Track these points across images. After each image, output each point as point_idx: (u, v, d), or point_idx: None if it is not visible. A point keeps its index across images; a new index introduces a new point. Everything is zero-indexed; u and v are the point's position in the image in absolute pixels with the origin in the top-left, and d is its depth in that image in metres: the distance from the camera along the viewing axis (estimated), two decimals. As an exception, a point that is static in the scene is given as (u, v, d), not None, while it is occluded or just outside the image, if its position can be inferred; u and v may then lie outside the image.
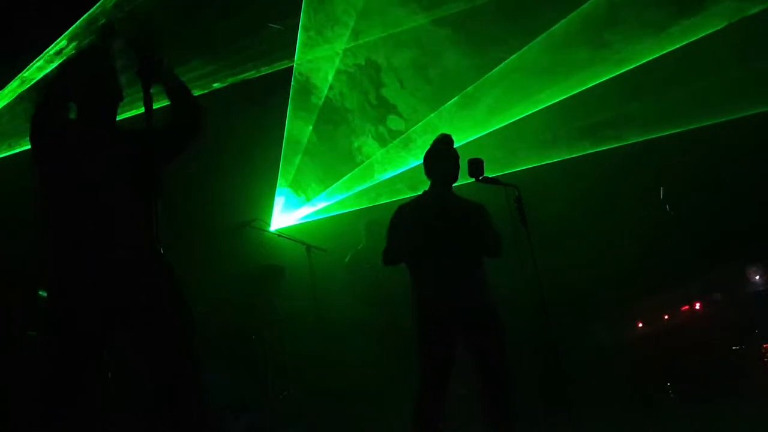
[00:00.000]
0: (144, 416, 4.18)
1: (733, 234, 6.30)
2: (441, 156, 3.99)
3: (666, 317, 6.62)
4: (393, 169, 7.65)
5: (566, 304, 5.31)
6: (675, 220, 6.62)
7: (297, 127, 7.56)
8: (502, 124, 7.25)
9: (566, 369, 5.04)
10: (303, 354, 6.31)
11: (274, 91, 7.15)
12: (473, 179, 3.90)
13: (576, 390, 4.98)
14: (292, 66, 7.19)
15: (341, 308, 6.71)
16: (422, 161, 4.08)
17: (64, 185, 2.74)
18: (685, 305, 6.48)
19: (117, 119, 2.96)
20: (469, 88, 7.30)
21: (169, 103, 2.95)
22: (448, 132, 4.11)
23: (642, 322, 6.82)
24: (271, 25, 6.59)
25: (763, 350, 5.91)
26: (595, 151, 7.08)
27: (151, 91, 2.73)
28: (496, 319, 3.76)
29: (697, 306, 6.39)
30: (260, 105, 7.02)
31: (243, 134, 6.84)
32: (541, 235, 4.07)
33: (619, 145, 7.00)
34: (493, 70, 7.16)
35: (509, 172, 6.60)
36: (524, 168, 6.93)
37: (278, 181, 7.56)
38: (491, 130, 7.24)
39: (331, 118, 7.66)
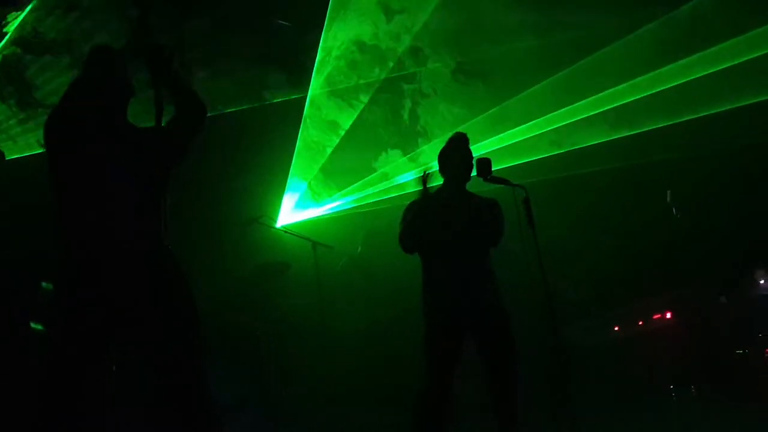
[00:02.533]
0: (148, 413, 4.19)
1: (741, 237, 6.30)
2: (455, 154, 4.00)
3: (641, 323, 6.66)
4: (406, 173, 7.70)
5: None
6: (679, 223, 6.61)
7: (313, 127, 7.59)
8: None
9: (569, 368, 5.06)
10: (306, 352, 6.33)
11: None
12: (481, 178, 3.91)
13: (578, 389, 5.01)
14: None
15: (346, 305, 6.74)
16: (437, 158, 4.10)
17: (74, 180, 2.75)
18: (657, 314, 6.50)
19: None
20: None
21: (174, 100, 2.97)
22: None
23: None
24: (281, 22, 6.62)
25: (767, 354, 5.89)
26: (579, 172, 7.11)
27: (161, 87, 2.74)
28: (503, 316, 3.78)
29: (668, 315, 6.40)
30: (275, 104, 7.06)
31: (253, 130, 6.87)
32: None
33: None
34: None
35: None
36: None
37: (288, 178, 7.58)
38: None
39: (348, 122, 7.71)
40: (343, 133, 7.73)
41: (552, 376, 5.23)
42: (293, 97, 7.30)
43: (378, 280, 6.68)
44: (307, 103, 7.47)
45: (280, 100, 7.25)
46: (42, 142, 2.81)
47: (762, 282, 6.19)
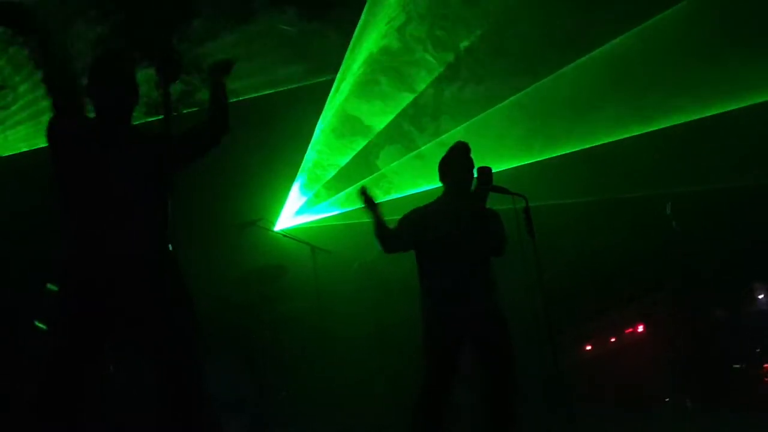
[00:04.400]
0: (147, 414, 4.19)
1: (740, 252, 6.30)
2: (456, 162, 4.02)
3: (611, 340, 6.64)
4: (409, 186, 7.70)
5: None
6: (678, 236, 6.62)
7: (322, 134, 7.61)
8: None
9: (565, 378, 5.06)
10: (303, 354, 6.34)
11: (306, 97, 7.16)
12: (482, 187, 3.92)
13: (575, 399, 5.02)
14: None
15: (343, 309, 6.74)
16: (438, 167, 4.11)
17: (78, 184, 2.76)
18: (629, 327, 6.50)
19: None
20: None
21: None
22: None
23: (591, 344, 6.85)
24: (283, 27, 6.64)
25: (765, 369, 5.89)
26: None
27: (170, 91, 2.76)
28: (502, 321, 3.79)
29: (640, 329, 6.40)
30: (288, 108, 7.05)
31: (257, 136, 6.88)
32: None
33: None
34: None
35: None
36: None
37: (294, 182, 7.60)
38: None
39: (354, 129, 7.72)
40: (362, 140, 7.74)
41: (549, 389, 5.24)
42: (316, 81, 7.18)
43: (386, 285, 6.67)
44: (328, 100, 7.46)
45: (297, 85, 7.15)
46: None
47: (761, 297, 6.20)
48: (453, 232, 3.84)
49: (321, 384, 6.08)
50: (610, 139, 7.07)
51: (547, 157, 7.31)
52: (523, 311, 4.92)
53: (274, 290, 6.40)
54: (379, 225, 3.84)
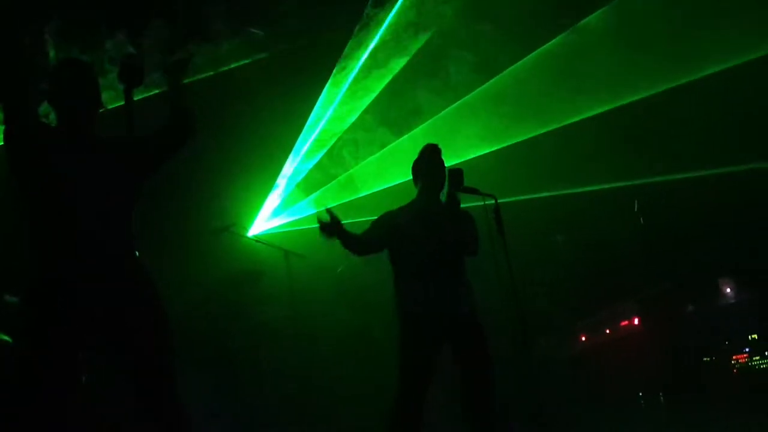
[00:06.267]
0: (122, 423, 4.15)
1: (706, 247, 6.42)
2: (428, 164, 4.03)
3: (608, 331, 6.74)
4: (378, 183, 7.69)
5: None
6: (647, 233, 6.72)
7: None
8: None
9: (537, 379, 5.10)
10: (279, 360, 6.31)
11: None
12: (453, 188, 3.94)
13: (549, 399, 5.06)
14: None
15: (318, 314, 6.73)
16: (410, 169, 4.12)
17: (42, 193, 2.72)
18: (624, 320, 6.61)
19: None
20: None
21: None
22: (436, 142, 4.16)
23: (586, 335, 6.95)
24: (252, 30, 6.60)
25: (733, 361, 6.02)
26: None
27: (133, 97, 2.74)
28: (478, 325, 3.80)
29: (636, 321, 6.51)
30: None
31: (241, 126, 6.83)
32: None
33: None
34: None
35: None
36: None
37: (269, 187, 7.55)
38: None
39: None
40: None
41: (524, 386, 5.27)
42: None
43: (361, 289, 6.67)
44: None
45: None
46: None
47: (728, 291, 6.33)
48: (427, 234, 3.84)
49: (298, 389, 6.05)
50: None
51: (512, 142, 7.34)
52: (499, 311, 4.96)
53: (250, 296, 6.37)
54: (345, 240, 3.77)
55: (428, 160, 4.04)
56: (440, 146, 4.09)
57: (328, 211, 3.69)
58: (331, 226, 3.66)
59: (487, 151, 7.38)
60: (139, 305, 2.73)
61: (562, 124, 7.14)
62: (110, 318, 2.67)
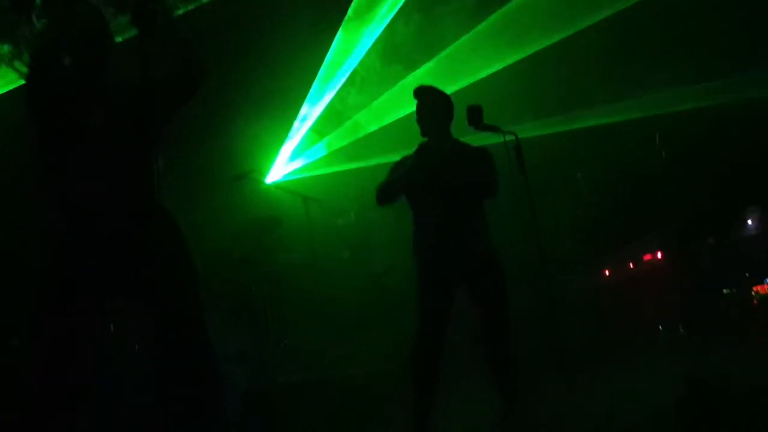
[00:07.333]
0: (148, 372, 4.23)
1: (729, 179, 6.33)
2: (417, 109, 3.95)
3: (631, 265, 6.72)
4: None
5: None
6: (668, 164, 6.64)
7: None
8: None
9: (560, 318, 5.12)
10: (301, 304, 6.39)
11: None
12: (472, 127, 3.88)
13: (570, 338, 5.08)
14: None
15: (338, 258, 6.78)
16: None
17: (62, 140, 2.70)
18: (648, 254, 6.57)
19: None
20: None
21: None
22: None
23: (609, 270, 6.93)
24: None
25: (753, 293, 6.01)
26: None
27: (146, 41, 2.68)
28: (496, 266, 3.79)
29: (659, 255, 6.47)
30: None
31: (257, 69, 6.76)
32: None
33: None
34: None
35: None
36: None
37: (286, 132, 7.50)
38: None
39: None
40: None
41: (545, 324, 5.30)
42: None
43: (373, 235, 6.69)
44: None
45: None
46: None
47: (750, 223, 6.27)
48: (440, 174, 3.78)
49: (321, 332, 6.14)
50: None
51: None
52: (520, 251, 4.96)
53: (270, 242, 6.41)
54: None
55: (417, 106, 3.95)
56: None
57: None
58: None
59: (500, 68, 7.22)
60: (164, 251, 2.74)
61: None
62: (135, 266, 2.69)
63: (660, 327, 6.41)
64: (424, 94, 3.94)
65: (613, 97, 7.01)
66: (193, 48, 2.98)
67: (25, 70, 5.10)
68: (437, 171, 3.77)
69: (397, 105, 7.33)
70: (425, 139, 3.94)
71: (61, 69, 2.74)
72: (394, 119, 7.43)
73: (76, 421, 2.65)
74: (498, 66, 7.23)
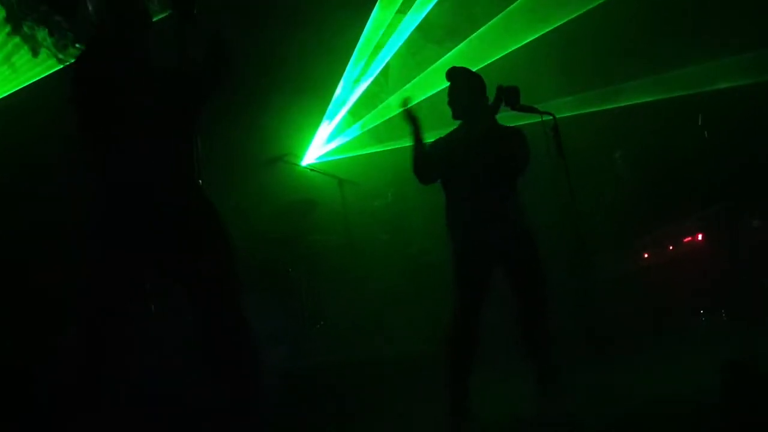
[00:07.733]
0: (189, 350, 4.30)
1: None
2: (450, 91, 3.93)
3: (671, 248, 6.58)
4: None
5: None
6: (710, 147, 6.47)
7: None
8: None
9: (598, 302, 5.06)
10: (337, 285, 6.43)
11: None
12: (508, 107, 3.83)
13: (608, 322, 5.03)
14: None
15: (374, 240, 6.80)
16: None
17: (104, 120, 2.74)
18: (688, 236, 6.43)
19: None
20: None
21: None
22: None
23: (648, 253, 6.79)
24: None
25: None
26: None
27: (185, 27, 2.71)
28: (532, 245, 3.76)
29: (700, 237, 6.32)
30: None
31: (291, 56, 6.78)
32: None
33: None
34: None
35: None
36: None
37: (321, 116, 7.50)
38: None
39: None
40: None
41: (582, 308, 5.25)
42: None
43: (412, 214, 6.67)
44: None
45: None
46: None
47: None
48: (473, 156, 3.75)
49: (357, 313, 6.18)
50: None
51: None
52: (558, 234, 4.90)
53: (306, 224, 6.45)
54: (419, 149, 3.78)
55: (449, 88, 3.93)
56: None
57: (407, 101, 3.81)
58: (411, 117, 3.77)
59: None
60: (204, 231, 2.78)
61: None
62: (176, 245, 2.73)
63: (701, 311, 6.29)
64: (456, 76, 3.92)
65: (653, 73, 6.86)
66: (220, 31, 2.98)
67: (67, 54, 5.13)
68: (472, 150, 3.75)
69: (435, 84, 7.29)
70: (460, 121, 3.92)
71: (114, 53, 2.78)
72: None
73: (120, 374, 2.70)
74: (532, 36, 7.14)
